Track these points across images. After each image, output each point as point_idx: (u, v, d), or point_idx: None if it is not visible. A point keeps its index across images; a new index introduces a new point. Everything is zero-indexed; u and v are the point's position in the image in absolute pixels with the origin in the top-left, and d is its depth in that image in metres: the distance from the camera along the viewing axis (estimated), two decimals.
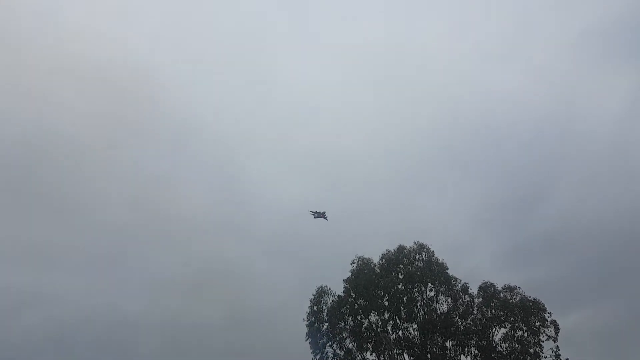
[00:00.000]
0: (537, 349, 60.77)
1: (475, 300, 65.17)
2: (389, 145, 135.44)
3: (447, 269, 66.55)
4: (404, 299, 64.73)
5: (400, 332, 63.83)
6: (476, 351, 62.04)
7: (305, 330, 66.05)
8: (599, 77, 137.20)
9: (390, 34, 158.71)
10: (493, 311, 63.69)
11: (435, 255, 67.37)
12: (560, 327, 61.44)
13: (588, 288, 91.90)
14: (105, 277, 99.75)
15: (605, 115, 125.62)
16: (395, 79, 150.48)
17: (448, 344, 62.82)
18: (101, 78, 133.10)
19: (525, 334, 61.78)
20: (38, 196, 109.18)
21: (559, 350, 59.99)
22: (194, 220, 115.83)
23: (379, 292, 65.19)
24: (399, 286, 65.57)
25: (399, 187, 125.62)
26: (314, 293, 68.13)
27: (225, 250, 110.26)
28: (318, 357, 64.52)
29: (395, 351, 62.66)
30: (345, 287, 66.84)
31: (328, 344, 64.84)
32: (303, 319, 66.73)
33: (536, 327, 61.75)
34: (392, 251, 68.25)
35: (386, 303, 64.92)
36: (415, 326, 63.66)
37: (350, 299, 65.72)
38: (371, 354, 63.13)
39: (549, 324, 61.59)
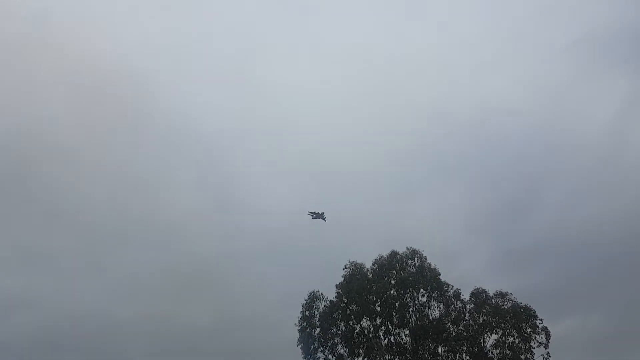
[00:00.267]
0: (528, 356, 61.03)
1: (467, 306, 65.31)
2: (382, 151, 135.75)
3: (440, 274, 66.64)
4: (396, 304, 64.64)
5: (392, 338, 63.73)
6: (468, 357, 62.14)
7: (297, 335, 65.71)
8: (589, 85, 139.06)
9: (383, 39, 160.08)
10: (485, 317, 63.85)
11: (427, 261, 67.45)
12: (551, 333, 61.73)
13: (579, 295, 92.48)
14: (93, 280, 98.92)
15: (596, 124, 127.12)
16: (388, 84, 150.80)
17: (440, 350, 62.79)
18: (90, 80, 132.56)
19: (517, 341, 61.99)
20: (26, 199, 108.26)
21: (549, 356, 60.22)
22: (183, 222, 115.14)
23: (371, 297, 65.02)
24: (391, 292, 65.49)
25: (391, 193, 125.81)
26: (306, 298, 67.84)
27: (215, 253, 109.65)
28: None
29: (387, 357, 62.56)
30: (337, 292, 66.61)
31: (320, 350, 64.46)
32: (295, 324, 66.47)
33: (527, 334, 62.00)
34: (385, 256, 68.20)
35: (378, 308, 64.79)
36: (407, 332, 63.61)
37: (342, 304, 65.51)
38: None
39: (540, 331, 61.85)
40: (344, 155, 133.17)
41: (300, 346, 65.14)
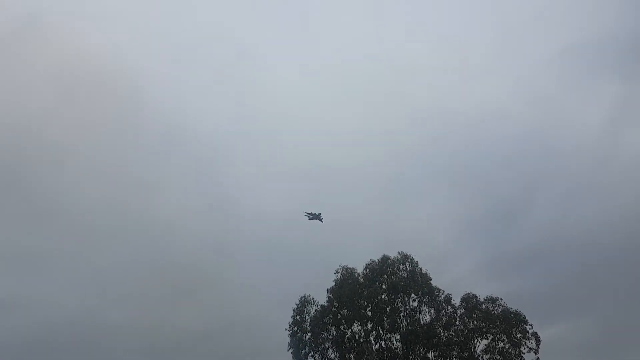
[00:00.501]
0: None
1: (458, 311, 65.53)
2: (374, 154, 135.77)
3: (431, 279, 66.89)
4: (387, 309, 64.73)
5: (383, 343, 63.77)
6: None
7: (288, 340, 65.59)
8: (581, 89, 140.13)
9: (377, 42, 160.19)
10: (475, 322, 64.09)
11: (418, 266, 67.65)
12: (541, 339, 62.02)
13: (569, 300, 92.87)
14: (85, 282, 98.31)
15: (587, 127, 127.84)
16: (381, 88, 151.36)
17: (430, 355, 62.96)
18: (85, 79, 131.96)
19: (507, 346, 62.23)
20: (21, 200, 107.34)
21: None
22: (176, 225, 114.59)
23: (362, 302, 65.08)
24: (383, 296, 65.62)
25: (383, 196, 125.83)
26: (297, 302, 67.82)
27: (207, 257, 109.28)
28: None
29: None
30: (328, 297, 66.64)
31: (310, 354, 64.42)
32: (285, 329, 66.38)
33: (517, 339, 62.25)
34: (376, 261, 68.30)
35: (369, 313, 64.87)
36: (398, 337, 63.66)
37: (333, 309, 65.52)
38: None
39: (530, 336, 62.14)
40: (337, 158, 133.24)
41: (290, 351, 65.04)
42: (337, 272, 68.39)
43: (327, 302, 66.61)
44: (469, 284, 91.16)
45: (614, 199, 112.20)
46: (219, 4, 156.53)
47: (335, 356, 63.76)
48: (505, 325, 62.87)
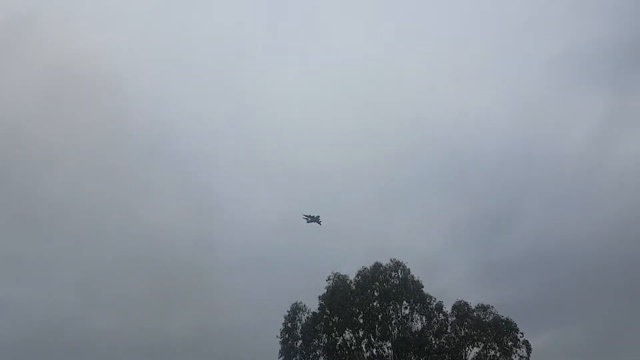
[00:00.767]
0: None
1: (449, 318, 65.66)
2: (364, 160, 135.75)
3: (422, 287, 66.99)
4: (379, 316, 64.66)
5: (375, 350, 63.60)
6: None
7: (279, 347, 65.20)
8: (569, 99, 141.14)
9: (368, 48, 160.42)
10: (466, 330, 64.29)
11: (410, 273, 67.72)
12: (532, 347, 62.35)
13: (559, 307, 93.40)
14: (72, 288, 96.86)
15: (575, 137, 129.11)
16: (372, 94, 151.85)
17: None
18: (75, 84, 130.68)
19: (498, 354, 62.48)
20: (8, 206, 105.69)
21: None
22: (164, 230, 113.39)
23: (354, 309, 64.93)
24: (374, 304, 65.53)
25: (374, 203, 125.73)
26: (288, 309, 67.49)
27: (195, 263, 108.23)
28: None
29: None
30: (320, 304, 66.36)
31: None
32: (276, 336, 65.96)
33: (508, 347, 62.55)
34: (368, 268, 68.25)
35: (361, 320, 64.71)
36: (390, 344, 63.55)
37: (325, 316, 65.28)
38: None
39: (521, 344, 62.52)
40: (327, 163, 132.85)
41: (281, 358, 64.61)
42: (329, 279, 68.29)
43: (318, 309, 66.33)
44: (460, 291, 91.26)
45: (602, 209, 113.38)
46: (213, 4, 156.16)
47: None
48: (496, 333, 63.15)
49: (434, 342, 63.79)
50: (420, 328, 64.78)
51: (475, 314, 65.09)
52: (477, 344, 63.33)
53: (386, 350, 63.54)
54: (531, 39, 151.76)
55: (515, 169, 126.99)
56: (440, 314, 65.68)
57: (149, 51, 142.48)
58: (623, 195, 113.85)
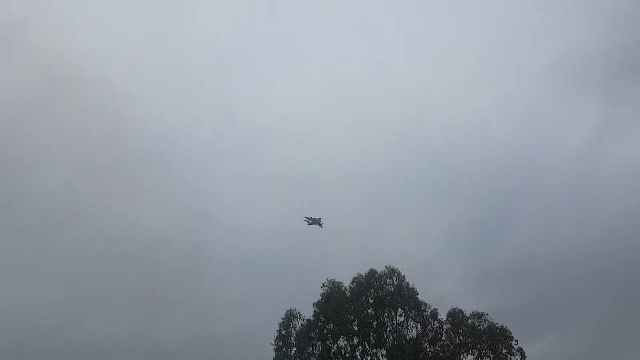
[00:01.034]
0: None
1: (444, 326, 65.43)
2: (359, 168, 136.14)
3: (417, 294, 66.80)
4: (374, 324, 64.30)
5: (369, 358, 63.17)
6: None
7: (273, 354, 64.71)
8: (562, 109, 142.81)
9: (366, 60, 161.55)
10: (461, 337, 64.12)
11: (405, 280, 67.53)
12: (526, 354, 62.28)
13: (553, 315, 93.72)
14: (66, 294, 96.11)
15: (568, 146, 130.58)
16: (366, 103, 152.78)
17: None
18: (69, 90, 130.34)
19: None
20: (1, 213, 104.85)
21: None
22: (159, 236, 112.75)
23: (348, 316, 64.58)
24: (369, 311, 65.17)
25: (369, 210, 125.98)
26: (283, 317, 67.12)
27: (189, 271, 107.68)
28: None
29: None
30: (315, 311, 65.97)
31: None
32: (271, 343, 65.55)
33: (503, 355, 62.43)
34: (364, 275, 68.04)
35: (356, 328, 64.32)
36: (384, 352, 63.18)
37: (319, 323, 64.83)
38: None
39: (515, 352, 62.47)
40: (323, 171, 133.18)
41: None
42: (323, 286, 68.02)
43: (313, 316, 65.91)
44: (455, 298, 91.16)
45: (595, 216, 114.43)
46: (211, 12, 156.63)
47: None
48: (491, 341, 63.07)
49: (428, 349, 63.48)
50: (415, 335, 64.49)
51: (470, 321, 64.98)
52: (472, 351, 63.10)
53: (381, 358, 63.18)
54: (525, 49, 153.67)
55: (508, 177, 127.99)
56: (435, 322, 65.44)
57: (146, 56, 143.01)
58: (616, 202, 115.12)
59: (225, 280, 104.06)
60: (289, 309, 67.70)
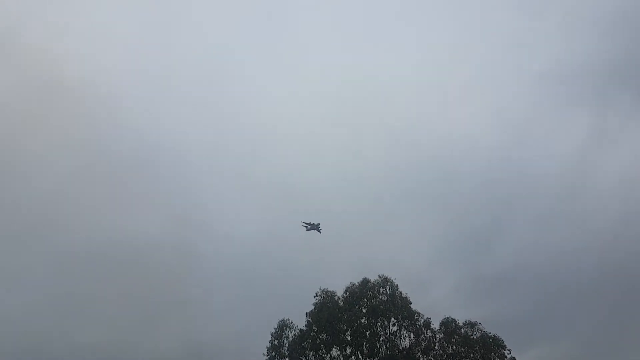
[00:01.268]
0: None
1: (437, 335, 65.33)
2: (352, 176, 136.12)
3: (410, 303, 66.68)
4: (367, 333, 64.03)
5: None
6: None
7: None
8: (553, 118, 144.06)
9: (357, 65, 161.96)
10: (454, 347, 64.05)
11: (398, 289, 67.43)
12: None
13: (545, 324, 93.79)
14: (55, 302, 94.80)
15: (559, 155, 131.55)
16: (360, 110, 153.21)
17: None
18: (63, 100, 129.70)
19: None
20: None
21: None
22: (149, 244, 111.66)
23: (342, 326, 64.27)
24: (362, 320, 64.93)
25: (363, 219, 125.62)
26: (275, 326, 66.69)
27: (181, 280, 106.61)
28: None
29: None
30: (307, 321, 65.64)
31: None
32: (263, 354, 65.07)
33: None
34: (357, 284, 67.89)
35: (349, 337, 64.00)
36: None
37: (312, 333, 64.48)
38: None
39: None
40: (316, 179, 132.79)
41: None
42: (316, 296, 67.70)
43: (305, 326, 65.55)
44: (447, 307, 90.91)
45: (586, 225, 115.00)
46: (205, 19, 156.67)
47: None
48: (484, 350, 63.05)
49: (422, 359, 63.27)
50: (408, 345, 64.26)
51: (463, 330, 65.00)
52: None
53: None
54: (517, 60, 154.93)
55: (501, 186, 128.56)
56: (428, 331, 65.32)
57: (139, 62, 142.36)
58: (606, 212, 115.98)
59: (217, 289, 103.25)
60: (281, 318, 67.35)
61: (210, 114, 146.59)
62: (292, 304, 74.31)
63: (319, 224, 72.30)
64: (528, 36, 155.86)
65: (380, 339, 64.09)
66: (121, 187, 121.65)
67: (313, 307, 66.72)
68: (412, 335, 64.98)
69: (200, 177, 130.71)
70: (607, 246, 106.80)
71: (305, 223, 72.30)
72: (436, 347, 64.33)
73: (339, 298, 67.22)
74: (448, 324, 65.59)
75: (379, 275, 68.41)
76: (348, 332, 64.30)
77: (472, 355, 63.12)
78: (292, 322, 66.77)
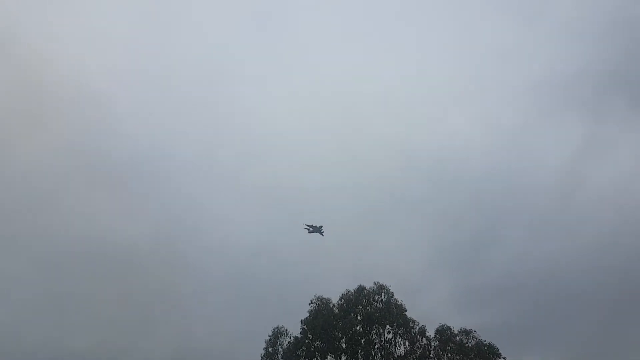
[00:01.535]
0: None
1: (432, 343, 65.07)
2: (347, 183, 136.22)
3: (406, 310, 66.48)
4: (362, 341, 63.67)
5: None
6: None
7: None
8: (547, 127, 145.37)
9: (350, 76, 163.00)
10: (449, 355, 63.83)
11: (394, 297, 67.19)
12: None
13: (540, 332, 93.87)
14: (48, 310, 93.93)
15: (552, 164, 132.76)
16: (355, 118, 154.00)
17: None
18: (58, 101, 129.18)
19: None
20: None
21: None
22: (143, 254, 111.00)
23: (337, 333, 63.88)
24: (357, 328, 64.59)
25: (357, 226, 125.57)
26: (270, 334, 66.26)
27: (175, 286, 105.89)
28: None
29: None
30: (302, 328, 65.22)
31: None
32: None
33: None
34: (352, 291, 67.55)
35: (344, 345, 63.60)
36: None
37: (307, 341, 64.03)
38: None
39: None
40: (309, 187, 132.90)
41: None
42: (311, 303, 67.28)
43: (300, 333, 65.12)
44: (442, 314, 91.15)
45: (580, 233, 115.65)
46: (199, 25, 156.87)
47: None
48: (479, 358, 62.84)
49: None
50: (403, 353, 63.93)
51: (458, 338, 64.80)
52: None
53: None
54: (511, 67, 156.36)
55: (495, 194, 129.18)
56: (424, 339, 65.06)
57: (135, 68, 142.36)
58: (600, 219, 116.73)
59: (212, 295, 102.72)
60: (276, 325, 67.00)
61: (206, 117, 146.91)
62: (287, 311, 74.03)
63: (321, 227, 71.61)
64: (522, 44, 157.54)
65: (376, 347, 63.74)
66: (115, 193, 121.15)
67: (308, 314, 66.34)
68: (407, 343, 64.67)
69: (195, 184, 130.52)
70: (600, 254, 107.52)
71: (308, 225, 71.64)
72: (431, 355, 64.05)
73: (334, 305, 66.84)
74: (443, 332, 65.38)
75: (375, 283, 68.34)
76: (343, 340, 63.89)
77: None
78: (286, 329, 66.42)
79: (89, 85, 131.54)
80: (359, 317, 65.30)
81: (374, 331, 64.50)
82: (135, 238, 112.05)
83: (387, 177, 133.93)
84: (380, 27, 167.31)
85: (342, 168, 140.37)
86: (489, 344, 63.92)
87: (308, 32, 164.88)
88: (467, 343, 64.51)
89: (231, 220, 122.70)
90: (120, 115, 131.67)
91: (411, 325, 65.34)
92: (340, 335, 64.04)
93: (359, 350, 63.18)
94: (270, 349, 65.13)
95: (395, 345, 64.44)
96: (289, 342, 65.12)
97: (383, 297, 66.92)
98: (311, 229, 71.53)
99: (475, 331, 65.21)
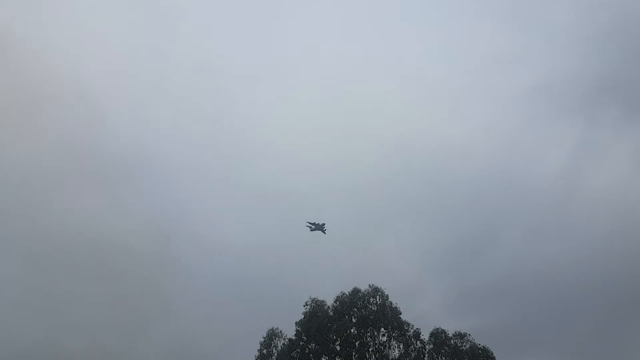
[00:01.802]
0: None
1: (427, 346, 65.14)
2: (343, 185, 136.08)
3: (400, 313, 66.52)
4: (356, 343, 63.65)
5: None
6: None
7: None
8: (543, 130, 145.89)
9: (351, 81, 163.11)
10: (443, 358, 63.97)
11: (389, 299, 67.20)
12: None
13: (534, 336, 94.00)
14: (43, 310, 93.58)
15: (549, 167, 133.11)
16: (351, 120, 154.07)
17: None
18: (50, 105, 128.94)
19: None
20: None
21: None
22: (136, 255, 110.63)
23: (331, 336, 63.77)
24: (352, 330, 64.54)
25: (353, 228, 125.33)
26: (264, 335, 66.13)
27: (168, 288, 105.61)
28: None
29: None
30: (297, 330, 65.09)
31: None
32: None
33: None
34: (347, 294, 67.47)
35: (338, 347, 63.54)
36: None
37: (301, 343, 63.95)
38: None
39: None
40: (304, 188, 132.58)
41: None
42: (306, 305, 67.17)
43: (295, 335, 65.01)
44: (437, 317, 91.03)
45: (576, 236, 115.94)
46: (192, 29, 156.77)
47: None
48: None
49: None
50: (397, 356, 63.99)
51: (452, 341, 64.88)
52: None
53: None
54: (507, 72, 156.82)
55: (491, 197, 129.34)
56: (418, 342, 65.11)
57: (129, 69, 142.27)
58: (596, 222, 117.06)
59: (206, 297, 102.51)
60: (270, 327, 66.93)
61: (198, 124, 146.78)
62: (281, 312, 73.86)
63: (323, 224, 71.09)
64: (518, 49, 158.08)
65: (370, 350, 63.71)
66: (108, 194, 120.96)
67: (303, 316, 66.22)
68: (401, 346, 64.69)
69: (189, 185, 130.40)
70: (597, 257, 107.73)
71: (310, 223, 71.19)
72: (425, 358, 64.14)
73: (329, 307, 66.76)
74: (438, 335, 65.45)
75: (370, 285, 68.30)
76: (337, 342, 63.82)
77: None
78: (281, 331, 66.39)
79: (84, 85, 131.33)
80: (353, 320, 65.28)
81: (369, 334, 64.50)
82: (129, 238, 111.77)
83: (384, 180, 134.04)
84: (379, 30, 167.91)
85: (340, 170, 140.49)
86: (484, 347, 64.09)
87: (305, 35, 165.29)
88: (461, 346, 64.63)
89: (227, 222, 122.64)
90: (114, 116, 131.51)
91: (405, 328, 65.40)
92: (334, 337, 63.92)
93: (353, 353, 63.13)
94: (264, 351, 65.08)
95: (389, 348, 64.45)
96: (283, 343, 65.08)
97: (378, 299, 66.91)
98: (313, 226, 71.19)
99: (469, 334, 65.43)
